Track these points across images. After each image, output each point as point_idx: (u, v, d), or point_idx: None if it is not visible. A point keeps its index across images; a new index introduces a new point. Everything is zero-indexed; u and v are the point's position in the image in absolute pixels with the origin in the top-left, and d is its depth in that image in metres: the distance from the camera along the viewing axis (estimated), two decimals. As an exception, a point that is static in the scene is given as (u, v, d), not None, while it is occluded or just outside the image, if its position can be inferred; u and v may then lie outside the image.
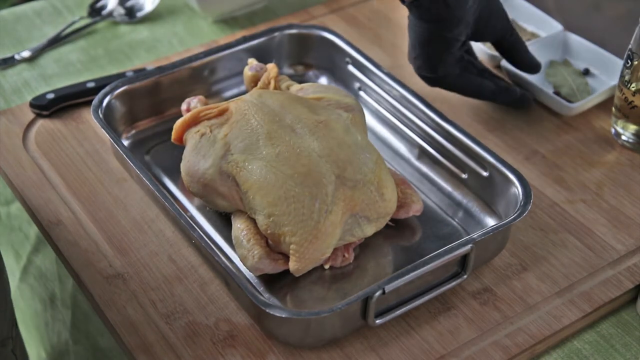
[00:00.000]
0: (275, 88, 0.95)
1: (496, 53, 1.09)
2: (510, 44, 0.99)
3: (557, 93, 1.05)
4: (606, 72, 1.07)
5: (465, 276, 0.82)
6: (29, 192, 0.93)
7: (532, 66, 1.01)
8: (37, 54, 1.14)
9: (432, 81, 0.96)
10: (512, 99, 1.00)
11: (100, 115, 0.93)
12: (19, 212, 0.98)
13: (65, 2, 1.24)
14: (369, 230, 0.84)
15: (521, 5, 1.16)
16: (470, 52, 1.00)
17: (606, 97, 1.04)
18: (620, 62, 1.04)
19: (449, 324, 0.81)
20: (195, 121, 0.89)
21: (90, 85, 1.05)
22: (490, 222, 0.90)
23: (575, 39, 1.10)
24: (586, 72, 1.08)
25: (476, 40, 0.97)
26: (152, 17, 1.21)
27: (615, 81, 1.04)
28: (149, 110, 1.00)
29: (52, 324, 1.01)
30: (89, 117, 1.02)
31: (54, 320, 1.00)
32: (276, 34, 1.06)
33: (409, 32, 0.94)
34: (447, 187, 0.94)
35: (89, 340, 0.94)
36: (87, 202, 0.92)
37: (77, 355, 0.97)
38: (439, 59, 0.93)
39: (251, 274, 0.83)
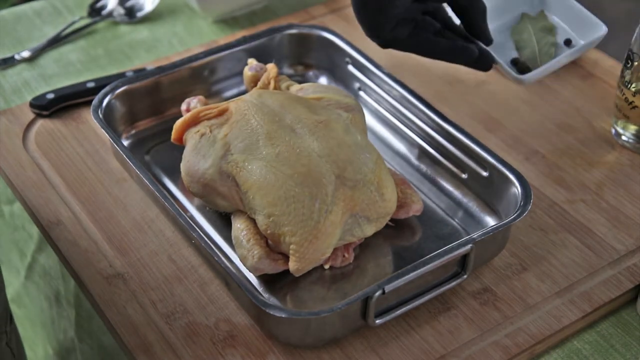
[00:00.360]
0: (275, 88, 0.95)
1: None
2: (468, 3, 0.91)
3: (515, 60, 0.97)
4: (582, 32, 0.98)
5: (465, 276, 0.82)
6: (29, 192, 0.93)
7: (485, 36, 0.93)
8: (37, 54, 1.14)
9: (381, 45, 0.92)
10: (469, 59, 0.93)
11: (100, 115, 0.93)
12: (22, 211, 0.98)
13: (65, 2, 1.24)
14: (369, 230, 0.84)
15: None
16: (434, 13, 0.93)
17: (566, 63, 0.96)
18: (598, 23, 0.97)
19: (449, 324, 0.81)
20: (195, 121, 0.89)
21: (90, 85, 1.05)
22: (490, 222, 0.90)
23: None
24: (567, 43, 0.98)
25: (427, 2, 0.90)
26: (152, 17, 1.21)
27: (585, 40, 0.96)
28: (149, 110, 1.00)
29: (58, 321, 1.01)
30: (89, 117, 1.02)
31: (60, 318, 1.00)
32: (276, 34, 1.06)
33: None
34: (447, 187, 0.94)
35: (93, 339, 0.94)
36: (87, 202, 0.92)
37: (83, 353, 0.98)
38: (375, 23, 0.89)
39: (251, 274, 0.83)
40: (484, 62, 0.94)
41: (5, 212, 1.03)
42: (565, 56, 0.95)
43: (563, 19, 1.00)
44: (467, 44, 0.92)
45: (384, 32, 0.90)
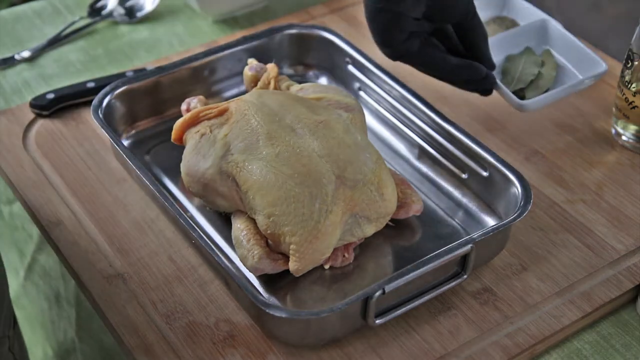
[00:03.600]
0: (275, 88, 0.95)
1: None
2: (471, 27, 0.93)
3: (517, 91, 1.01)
4: (583, 68, 1.01)
5: (465, 276, 0.82)
6: (29, 192, 0.93)
7: (487, 59, 0.95)
8: (37, 54, 1.14)
9: (391, 56, 0.93)
10: (477, 76, 0.94)
11: (100, 115, 0.93)
12: (21, 212, 0.98)
13: (65, 2, 1.24)
14: (369, 230, 0.84)
15: (521, 5, 1.16)
16: (440, 35, 0.94)
17: (564, 94, 0.98)
18: (596, 58, 1.00)
19: (449, 324, 0.81)
20: (195, 121, 0.89)
21: (90, 85, 1.05)
22: (490, 222, 0.90)
23: (555, 27, 1.05)
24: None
25: (435, 22, 0.92)
26: (152, 17, 1.21)
27: (584, 75, 0.99)
28: (149, 110, 1.00)
29: (58, 322, 1.01)
30: (89, 117, 1.02)
31: (60, 319, 1.00)
32: (276, 34, 1.06)
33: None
34: (447, 187, 0.94)
35: (94, 339, 0.94)
36: (87, 202, 0.92)
37: (83, 354, 0.98)
38: (388, 33, 0.90)
39: (251, 274, 0.83)
40: (487, 84, 0.95)
41: (4, 212, 1.03)
42: (564, 89, 0.97)
43: (566, 57, 1.03)
44: (475, 62, 0.94)
45: (396, 43, 0.91)
